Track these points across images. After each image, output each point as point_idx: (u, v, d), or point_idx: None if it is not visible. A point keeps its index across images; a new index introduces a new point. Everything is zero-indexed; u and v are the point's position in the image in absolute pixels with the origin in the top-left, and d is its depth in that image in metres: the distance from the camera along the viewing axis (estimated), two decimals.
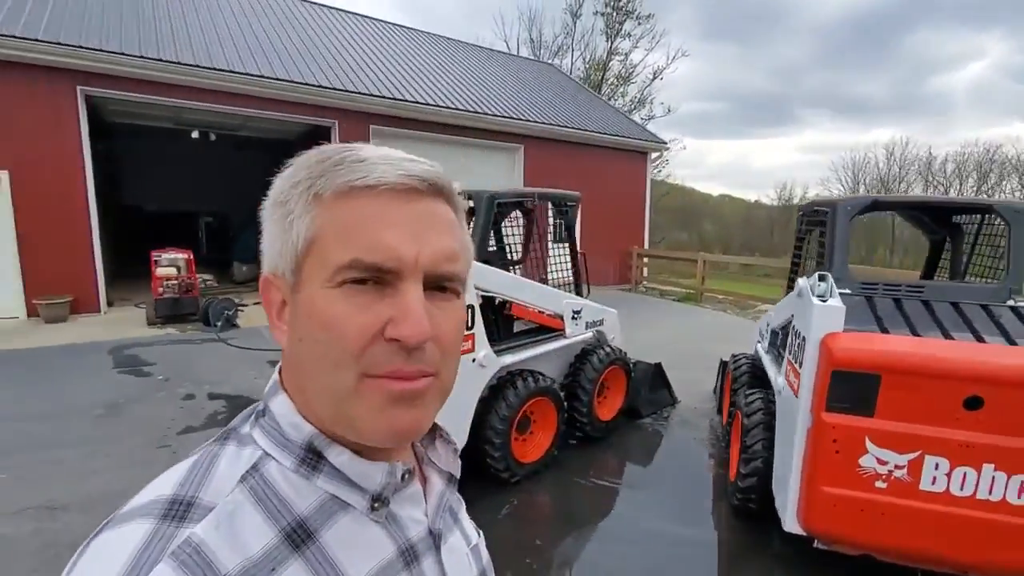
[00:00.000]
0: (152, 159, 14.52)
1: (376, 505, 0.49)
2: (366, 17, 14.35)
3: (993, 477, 2.16)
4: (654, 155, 15.68)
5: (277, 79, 8.84)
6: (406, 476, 0.51)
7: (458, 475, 0.61)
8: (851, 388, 2.30)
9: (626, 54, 27.61)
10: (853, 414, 2.31)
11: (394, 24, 14.80)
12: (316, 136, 9.66)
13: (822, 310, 2.46)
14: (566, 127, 12.38)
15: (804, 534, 2.49)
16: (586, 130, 12.76)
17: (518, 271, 4.04)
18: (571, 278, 4.38)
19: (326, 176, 0.45)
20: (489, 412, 3.30)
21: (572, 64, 28.11)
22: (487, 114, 11.18)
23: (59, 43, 7.26)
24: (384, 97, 9.88)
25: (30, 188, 7.38)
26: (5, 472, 3.50)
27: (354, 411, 0.44)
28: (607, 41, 27.18)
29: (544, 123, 12.07)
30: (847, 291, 2.83)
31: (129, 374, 5.56)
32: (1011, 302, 2.63)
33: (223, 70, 8.39)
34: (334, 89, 9.37)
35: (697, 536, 3.05)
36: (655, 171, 32.06)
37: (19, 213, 7.35)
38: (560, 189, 4.51)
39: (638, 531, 3.10)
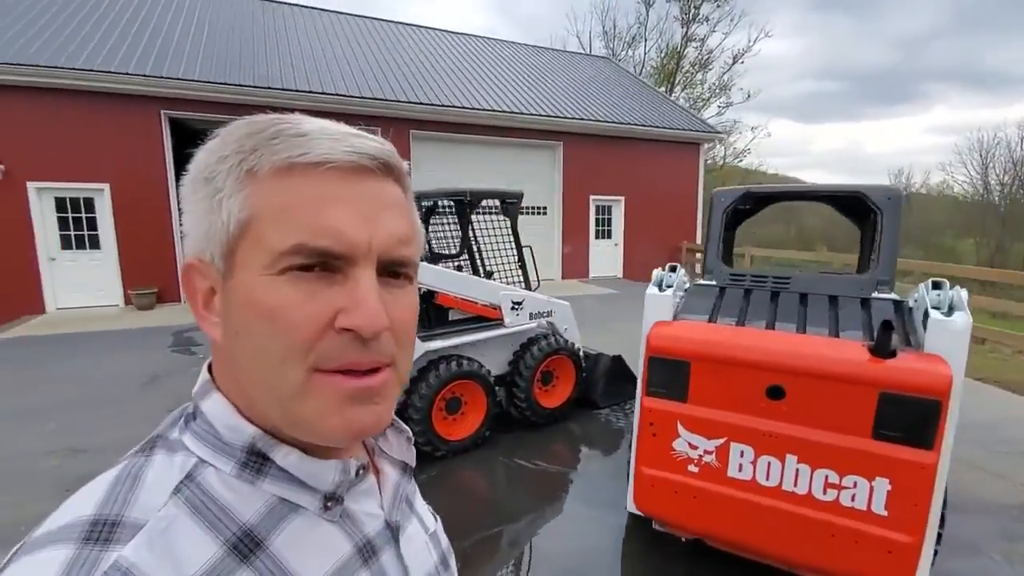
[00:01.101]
0: None
1: (329, 504, 0.46)
2: (409, 25, 15.20)
3: (797, 469, 2.15)
4: (707, 145, 15.00)
5: (322, 92, 9.81)
6: (360, 472, 0.48)
7: (413, 464, 0.58)
8: (666, 374, 2.38)
9: (703, 39, 26.32)
10: (668, 399, 2.38)
11: (437, 29, 15.54)
12: None
13: (651, 299, 2.55)
14: (605, 122, 12.31)
15: (641, 514, 2.59)
16: (628, 123, 12.58)
17: (451, 265, 4.34)
18: (519, 272, 4.59)
19: (261, 150, 0.41)
20: (411, 392, 3.61)
21: (645, 54, 27.39)
22: (524, 113, 11.46)
23: (145, 75, 8.68)
24: (422, 103, 10.54)
25: (126, 197, 8.91)
26: (55, 422, 4.47)
27: (305, 411, 0.41)
28: (682, 27, 26.10)
29: (583, 119, 12.10)
30: (712, 282, 2.85)
31: (179, 353, 6.62)
32: (875, 294, 2.51)
33: (272, 88, 9.49)
34: (374, 99, 10.17)
35: (616, 519, 3.08)
36: (735, 159, 30.29)
37: (118, 219, 8.91)
38: (504, 188, 4.75)
39: (552, 510, 3.27)
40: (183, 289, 0.45)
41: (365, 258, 0.41)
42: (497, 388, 4.07)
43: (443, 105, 10.71)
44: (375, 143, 0.44)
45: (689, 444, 2.35)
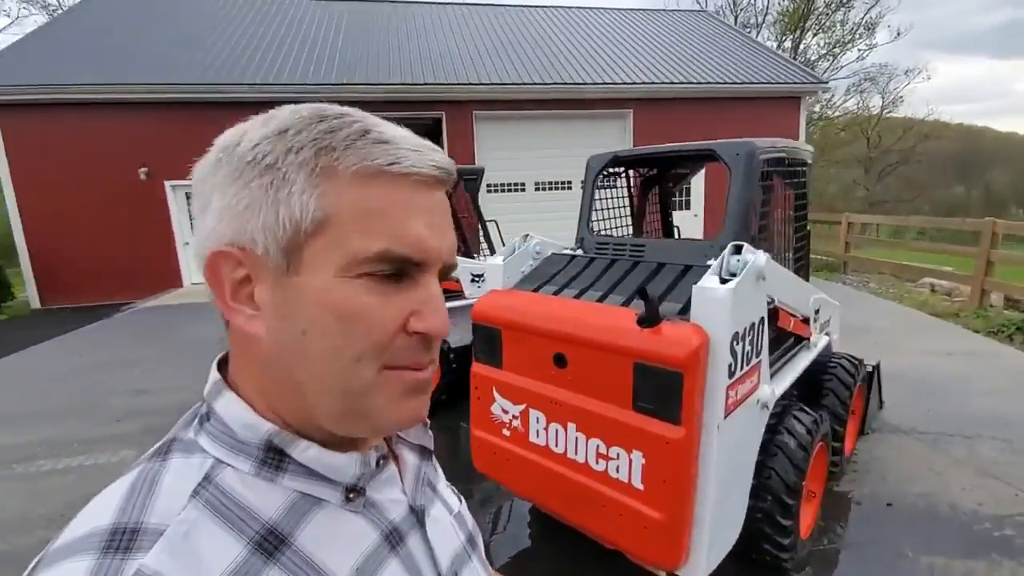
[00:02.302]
0: None
1: (351, 496, 0.46)
2: (471, 4, 15.24)
3: (576, 437, 2.14)
4: (811, 97, 13.13)
5: (379, 83, 10.55)
6: (380, 462, 0.49)
7: (431, 447, 0.59)
8: (485, 341, 2.47)
9: None
10: (488, 365, 2.48)
11: (500, 5, 15.42)
12: (435, 127, 11.18)
13: (488, 269, 2.63)
14: (680, 83, 11.45)
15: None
16: (708, 83, 11.56)
17: None
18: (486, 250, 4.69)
19: (341, 150, 0.40)
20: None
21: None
22: (586, 84, 11.16)
23: (243, 84, 10.14)
24: (483, 84, 10.81)
25: None
26: (140, 370, 5.72)
27: (373, 404, 0.43)
28: None
29: (653, 83, 11.40)
30: (573, 252, 2.81)
31: None
32: (711, 262, 2.30)
33: (351, 83, 10.44)
34: (436, 84, 10.68)
35: None
36: (887, 109, 25.87)
37: None
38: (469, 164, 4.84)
39: None
40: (206, 276, 0.42)
41: (435, 265, 0.44)
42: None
43: (502, 83, 10.86)
44: (444, 155, 0.45)
45: (502, 409, 2.43)
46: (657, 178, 3.46)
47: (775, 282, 2.19)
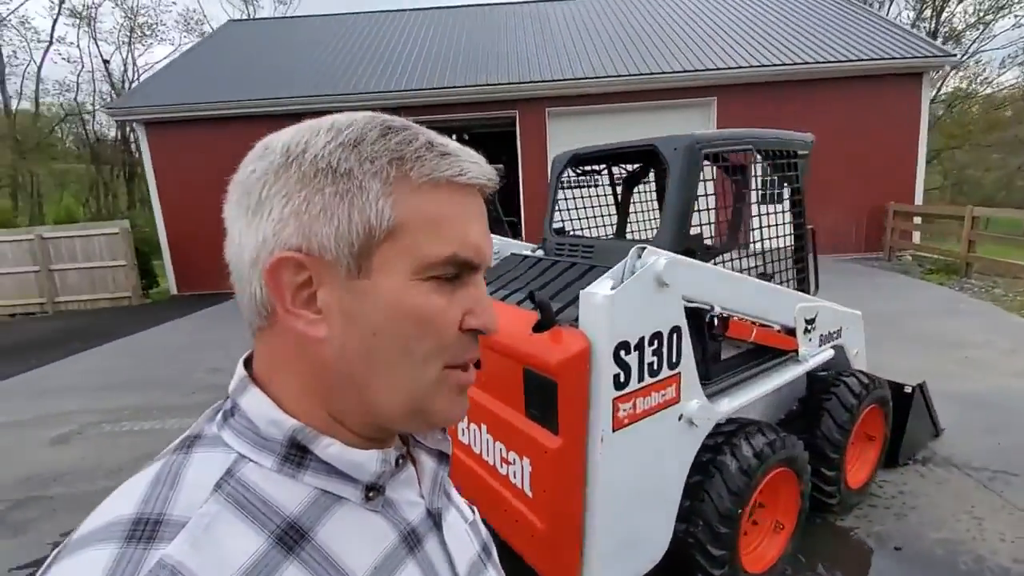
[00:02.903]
0: None
1: (371, 495, 0.47)
2: (526, 2, 15.00)
3: (487, 439, 2.15)
4: (935, 73, 11.24)
5: (456, 86, 10.90)
6: (400, 461, 0.50)
7: (449, 452, 0.59)
8: None
9: None
10: None
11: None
12: (510, 126, 11.38)
13: None
14: (773, 65, 10.45)
15: None
16: (805, 63, 10.43)
17: None
18: None
19: (413, 160, 0.42)
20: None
21: None
22: (660, 73, 10.62)
23: (332, 94, 11.08)
24: (555, 80, 10.75)
25: None
26: (225, 351, 6.57)
27: (434, 401, 0.45)
28: None
29: (740, 68, 10.54)
30: (538, 253, 2.79)
31: None
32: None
33: (412, 90, 10.96)
34: (509, 83, 10.82)
35: None
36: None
37: None
38: None
39: None
40: (267, 280, 0.42)
41: (485, 267, 0.47)
42: None
43: (574, 79, 10.72)
44: (491, 167, 0.48)
45: None
46: (642, 175, 3.28)
47: (703, 286, 2.01)
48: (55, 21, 28.60)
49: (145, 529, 0.37)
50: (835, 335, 2.83)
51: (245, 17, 27.21)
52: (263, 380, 0.47)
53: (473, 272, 0.46)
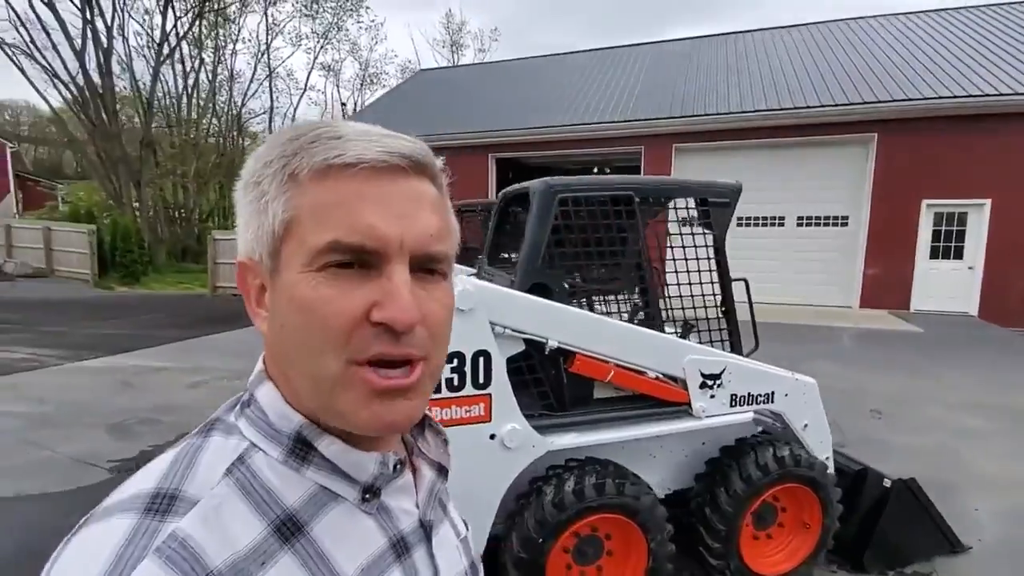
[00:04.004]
0: None
1: (368, 496, 0.48)
2: (669, 41, 14.30)
3: None
4: None
5: (579, 123, 11.29)
6: (398, 467, 0.50)
7: (449, 467, 0.59)
8: None
9: None
10: None
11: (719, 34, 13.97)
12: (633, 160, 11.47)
13: None
14: (950, 97, 8.74)
15: None
16: (992, 95, 8.51)
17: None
18: None
19: (300, 154, 0.43)
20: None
21: None
22: (810, 107, 9.63)
23: (479, 131, 12.40)
24: (682, 116, 10.53)
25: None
26: None
27: (341, 401, 0.43)
28: None
29: (909, 100, 9.03)
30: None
31: None
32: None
33: (544, 127, 11.61)
34: (634, 120, 10.91)
35: None
36: None
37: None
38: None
39: None
40: (239, 286, 0.48)
41: (398, 254, 0.43)
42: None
43: (704, 115, 10.35)
44: (408, 142, 0.45)
45: None
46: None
47: (524, 318, 2.14)
48: (309, 73, 36.55)
49: (162, 503, 0.40)
50: (762, 399, 2.57)
51: (449, 65, 31.52)
52: (272, 375, 0.49)
53: (383, 260, 0.43)
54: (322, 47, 28.25)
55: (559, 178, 2.38)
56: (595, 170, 14.74)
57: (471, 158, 12.55)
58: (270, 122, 30.12)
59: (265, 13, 24.94)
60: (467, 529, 0.64)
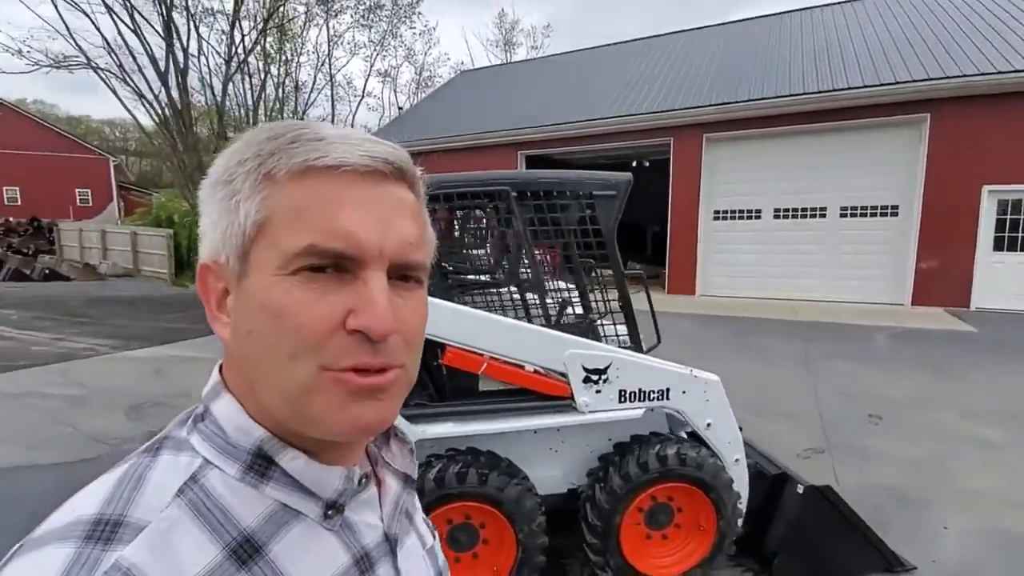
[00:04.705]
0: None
1: (330, 513, 0.46)
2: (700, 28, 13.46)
3: None
4: None
5: (600, 118, 11.05)
6: (363, 481, 0.48)
7: (415, 476, 0.58)
8: None
9: None
10: None
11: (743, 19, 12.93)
12: (662, 153, 11.12)
13: None
14: (1016, 72, 7.75)
15: None
16: None
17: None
18: None
19: (279, 154, 0.42)
20: None
21: None
22: (852, 89, 8.90)
23: (507, 129, 12.49)
24: (712, 105, 10.06)
25: None
26: None
27: (313, 407, 0.41)
28: None
29: (967, 76, 8.11)
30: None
31: None
32: None
33: (565, 122, 11.46)
34: (661, 112, 10.55)
35: None
36: None
37: None
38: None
39: None
40: (198, 290, 0.45)
41: (376, 261, 0.42)
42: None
43: (734, 102, 9.83)
44: (389, 148, 0.45)
45: None
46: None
47: None
48: (366, 80, 38.16)
49: (104, 530, 0.37)
50: (656, 395, 2.50)
51: (495, 64, 31.83)
52: (231, 386, 0.46)
53: (361, 266, 0.41)
54: (378, 54, 29.41)
55: (435, 175, 2.45)
56: (634, 164, 14.41)
57: (499, 157, 12.68)
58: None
59: (326, 25, 26.42)
60: (434, 538, 0.62)
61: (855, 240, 9.45)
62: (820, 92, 9.16)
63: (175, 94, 20.53)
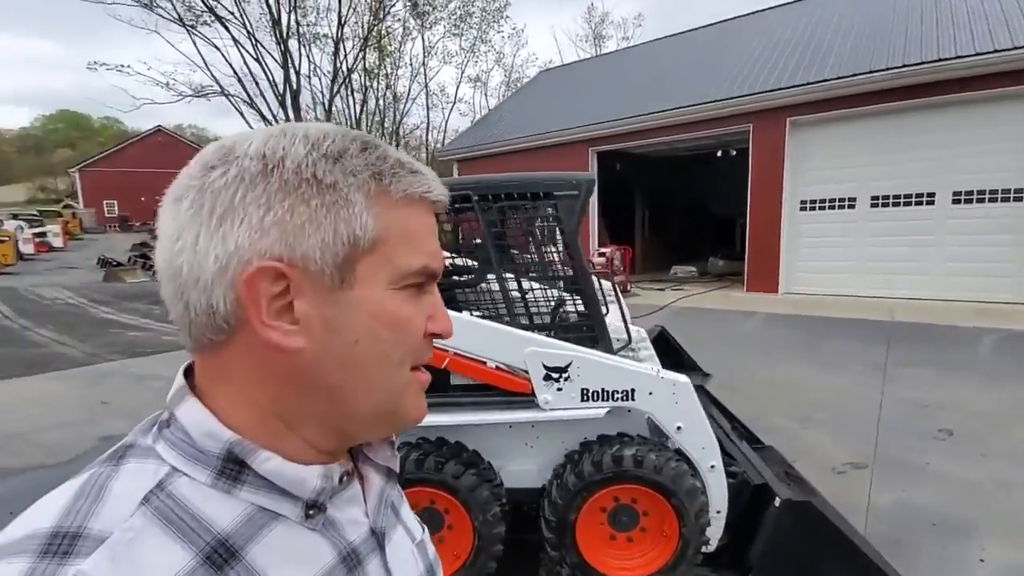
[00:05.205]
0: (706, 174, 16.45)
1: (311, 513, 0.45)
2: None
3: None
4: None
5: (674, 108, 10.53)
6: (344, 478, 0.48)
7: (397, 469, 0.58)
8: None
9: None
10: None
11: None
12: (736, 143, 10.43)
13: None
14: None
15: None
16: None
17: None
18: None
19: (390, 176, 0.45)
20: None
21: None
22: (963, 58, 7.72)
23: (582, 125, 12.42)
24: (798, 85, 9.25)
25: None
26: None
27: (404, 401, 0.48)
28: None
29: None
30: None
31: None
32: None
33: (638, 115, 11.06)
34: (739, 96, 9.89)
35: None
36: None
37: None
38: None
39: None
40: (241, 290, 0.41)
41: (439, 277, 0.50)
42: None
43: (823, 80, 8.95)
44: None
45: None
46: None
47: None
48: (458, 86, 39.57)
49: (62, 543, 0.35)
50: (620, 396, 2.49)
51: (591, 56, 31.52)
52: (203, 391, 0.45)
53: (431, 281, 0.49)
54: (469, 60, 30.49)
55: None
56: (718, 154, 13.64)
57: (572, 155, 12.67)
58: (427, 134, 33.48)
59: (421, 36, 27.93)
60: (424, 532, 0.62)
61: (971, 230, 8.20)
62: (923, 63, 8.06)
63: (290, 113, 22.97)
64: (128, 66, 21.19)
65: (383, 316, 0.44)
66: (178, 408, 0.44)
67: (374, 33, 23.84)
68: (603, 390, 2.50)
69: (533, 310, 2.79)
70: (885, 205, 9.00)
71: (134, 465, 0.41)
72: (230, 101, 22.92)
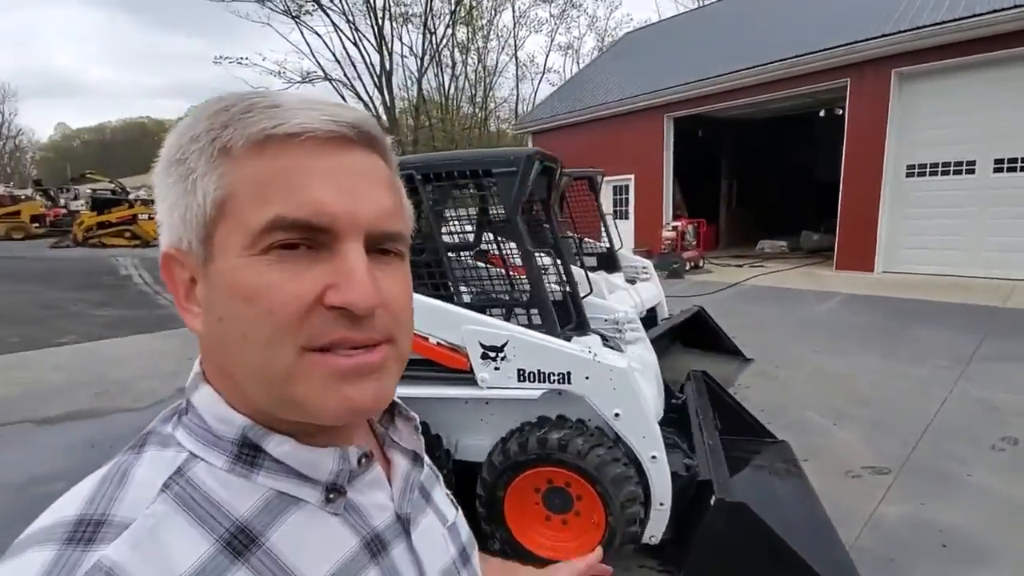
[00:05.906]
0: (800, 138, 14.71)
1: (332, 496, 0.44)
2: None
3: None
4: None
5: (757, 65, 9.44)
6: (363, 460, 0.46)
7: (422, 452, 0.55)
8: None
9: None
10: None
11: None
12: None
13: None
14: None
15: None
16: None
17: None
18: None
19: (234, 125, 0.39)
20: None
21: None
22: None
23: (655, 90, 11.70)
24: (906, 31, 7.91)
25: (642, 183, 12.51)
26: None
27: (298, 392, 0.39)
28: None
29: None
30: None
31: None
32: None
33: (725, 73, 10.07)
34: (834, 47, 8.68)
35: None
36: None
37: (637, 200, 12.68)
38: None
39: None
40: (165, 281, 0.43)
41: (351, 232, 0.39)
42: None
43: (945, 21, 7.55)
44: (356, 112, 0.42)
45: None
46: None
47: None
48: (547, 55, 38.61)
49: (86, 530, 0.36)
50: (556, 378, 2.44)
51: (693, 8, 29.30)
52: (209, 377, 0.44)
53: (335, 239, 0.39)
54: (559, 28, 29.73)
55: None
56: (821, 113, 12.17)
57: (644, 122, 12.04)
58: (516, 105, 33.36)
59: (512, 7, 27.70)
60: (457, 512, 0.60)
61: None
62: None
63: (384, 94, 24.18)
64: (246, 58, 23.53)
65: (235, 287, 0.38)
66: (194, 395, 0.44)
67: (463, 4, 24.10)
68: (539, 371, 2.46)
69: (488, 288, 2.79)
70: (1012, 170, 7.52)
71: (154, 452, 0.41)
72: (332, 85, 24.61)
